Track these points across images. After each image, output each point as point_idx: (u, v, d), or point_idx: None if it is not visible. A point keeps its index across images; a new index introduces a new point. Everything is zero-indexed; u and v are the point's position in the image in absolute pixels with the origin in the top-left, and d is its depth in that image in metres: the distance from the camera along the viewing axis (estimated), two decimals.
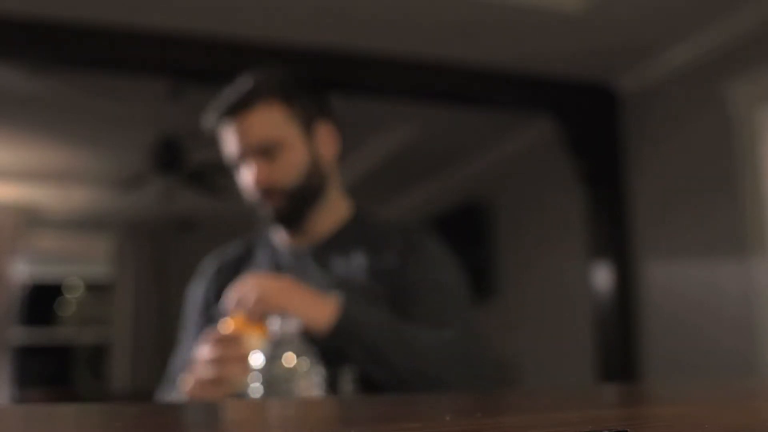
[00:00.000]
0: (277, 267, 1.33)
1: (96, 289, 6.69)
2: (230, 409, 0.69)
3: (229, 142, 1.29)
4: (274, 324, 1.01)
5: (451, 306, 1.25)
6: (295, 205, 1.29)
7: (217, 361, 1.08)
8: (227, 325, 1.12)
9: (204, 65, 3.04)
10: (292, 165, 1.27)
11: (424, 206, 5.41)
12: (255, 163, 1.26)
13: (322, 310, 1.11)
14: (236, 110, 1.27)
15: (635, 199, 3.49)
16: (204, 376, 1.10)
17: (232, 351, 1.08)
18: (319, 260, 1.30)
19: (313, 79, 1.41)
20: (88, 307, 6.78)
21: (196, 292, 1.40)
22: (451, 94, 3.42)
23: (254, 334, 1.08)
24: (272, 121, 1.27)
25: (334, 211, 1.34)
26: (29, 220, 5.80)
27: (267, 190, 1.27)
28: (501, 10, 2.82)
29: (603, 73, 3.45)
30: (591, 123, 3.57)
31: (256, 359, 1.00)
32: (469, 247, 4.72)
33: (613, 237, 3.51)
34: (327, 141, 1.33)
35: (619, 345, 3.44)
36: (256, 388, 0.99)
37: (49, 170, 4.95)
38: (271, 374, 0.98)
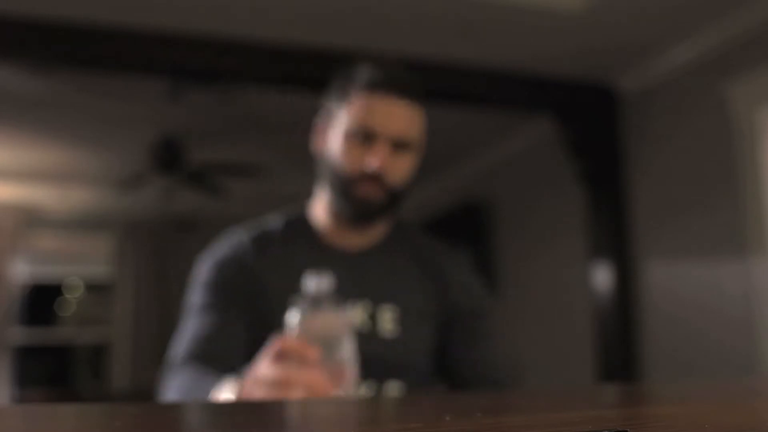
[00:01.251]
0: (322, 265, 1.30)
1: (96, 289, 6.69)
2: (230, 409, 0.69)
3: (369, 114, 1.27)
4: (310, 284, 0.99)
5: (494, 351, 1.38)
6: (385, 204, 1.31)
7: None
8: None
9: (204, 65, 3.04)
10: (408, 169, 1.31)
11: (424, 206, 5.41)
12: (386, 150, 1.27)
13: None
14: (406, 96, 1.28)
15: (635, 199, 3.48)
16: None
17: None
18: (369, 267, 1.34)
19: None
20: (88, 307, 6.78)
21: (226, 262, 1.31)
22: (451, 94, 3.42)
23: None
24: (420, 123, 1.31)
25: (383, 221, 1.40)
26: (29, 220, 5.81)
27: (378, 178, 1.27)
28: (501, 10, 2.82)
29: (603, 73, 3.45)
30: (591, 123, 3.57)
31: (292, 317, 0.98)
32: (469, 247, 4.72)
33: (613, 237, 3.51)
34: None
35: (619, 345, 3.44)
36: None
37: (49, 170, 4.95)
38: (307, 333, 0.97)
